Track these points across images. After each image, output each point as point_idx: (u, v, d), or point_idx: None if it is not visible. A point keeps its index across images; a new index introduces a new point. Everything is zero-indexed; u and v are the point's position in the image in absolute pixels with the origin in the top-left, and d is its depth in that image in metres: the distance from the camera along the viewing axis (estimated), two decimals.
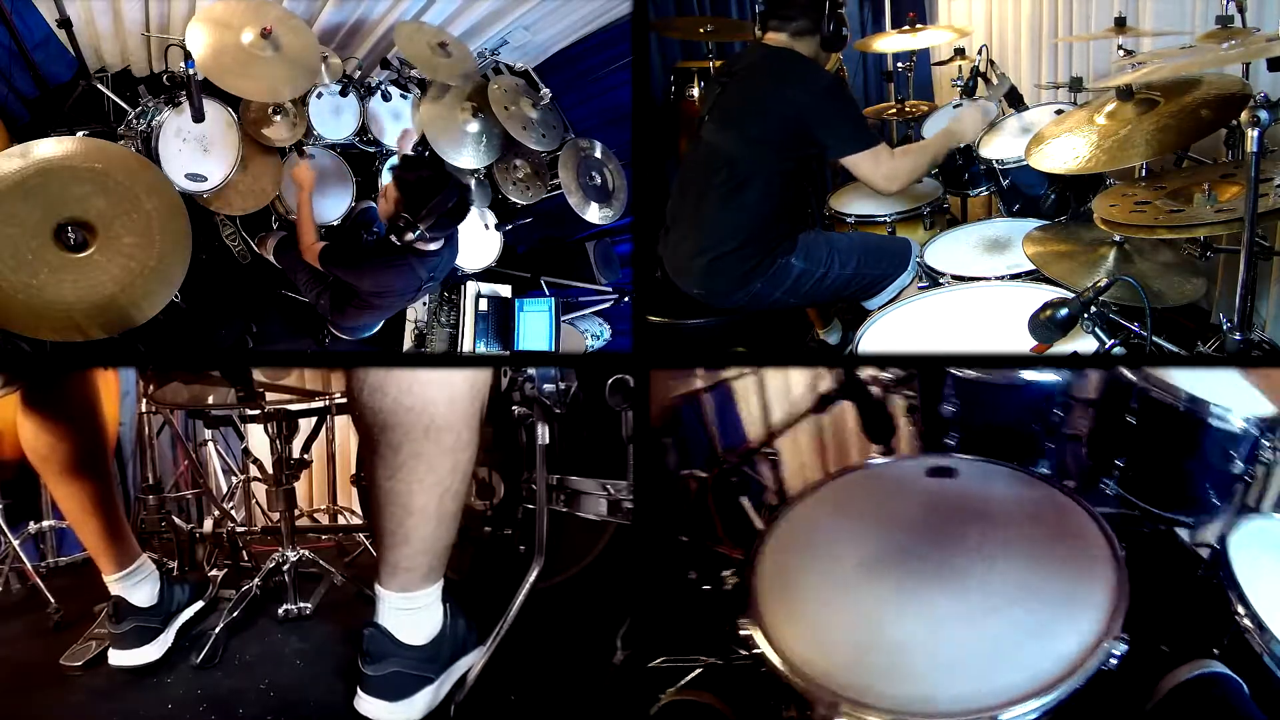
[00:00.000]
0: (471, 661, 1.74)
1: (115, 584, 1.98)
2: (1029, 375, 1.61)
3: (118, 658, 1.90)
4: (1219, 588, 1.26)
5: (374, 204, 3.04)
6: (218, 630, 2.00)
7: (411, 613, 1.66)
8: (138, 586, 1.99)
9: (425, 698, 1.64)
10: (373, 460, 1.60)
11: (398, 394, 1.55)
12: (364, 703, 1.61)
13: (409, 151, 2.92)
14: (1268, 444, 1.58)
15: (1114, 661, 1.07)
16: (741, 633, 1.19)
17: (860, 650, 1.11)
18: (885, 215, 2.87)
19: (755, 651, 1.17)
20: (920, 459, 1.47)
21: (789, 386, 2.26)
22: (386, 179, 2.81)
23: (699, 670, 1.57)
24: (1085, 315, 1.73)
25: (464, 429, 1.62)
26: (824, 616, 1.17)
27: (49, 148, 2.04)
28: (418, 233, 2.45)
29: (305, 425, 2.56)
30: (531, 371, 1.93)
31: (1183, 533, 1.55)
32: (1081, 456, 1.67)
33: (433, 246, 2.57)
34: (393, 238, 2.49)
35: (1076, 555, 1.17)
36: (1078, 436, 1.68)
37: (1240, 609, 1.22)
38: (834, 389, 1.98)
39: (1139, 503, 1.59)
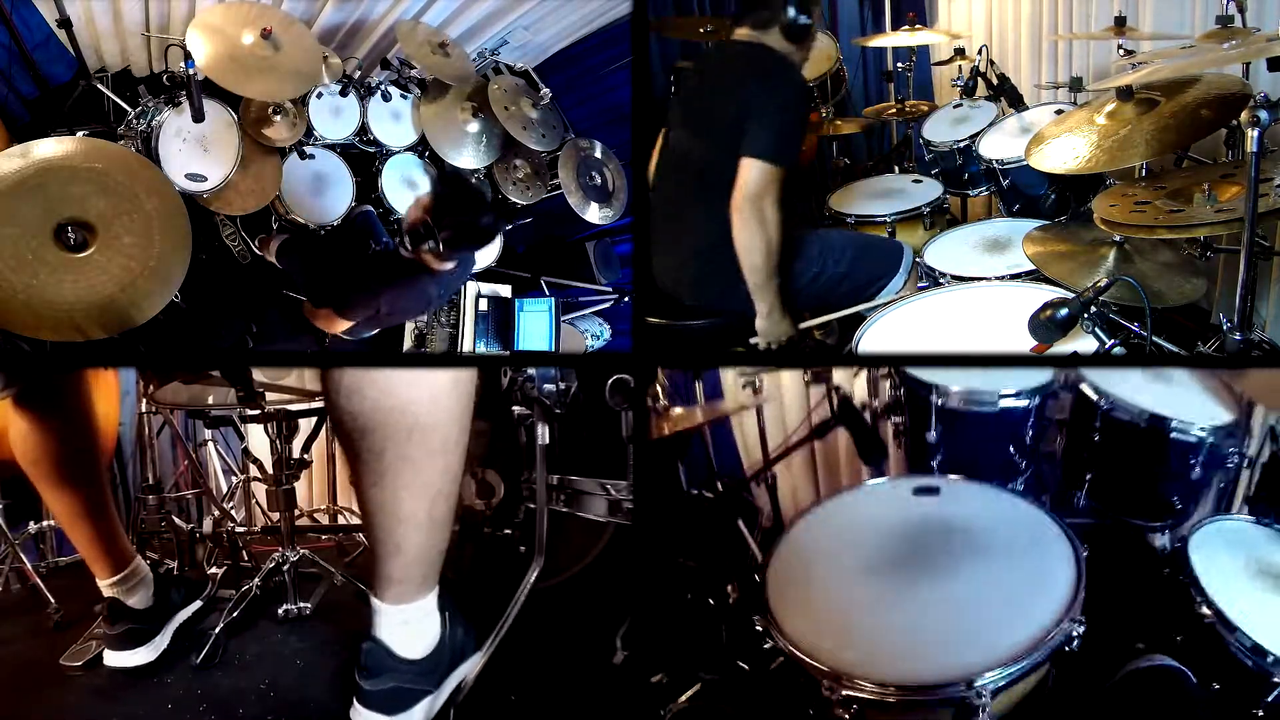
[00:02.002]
0: (469, 669, 1.72)
1: (109, 588, 1.98)
2: (1005, 402, 1.80)
3: (112, 658, 1.91)
4: (1182, 585, 1.43)
5: (372, 208, 3.04)
6: (217, 630, 2.00)
7: (409, 625, 1.61)
8: (132, 590, 1.98)
9: (423, 709, 1.61)
10: (356, 467, 1.52)
11: (377, 396, 1.46)
12: (361, 715, 1.57)
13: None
14: (1228, 449, 1.74)
15: (1075, 642, 1.29)
16: (758, 628, 1.37)
17: (859, 637, 1.33)
18: (885, 215, 2.87)
19: (768, 646, 1.37)
20: (908, 479, 1.68)
21: (784, 414, 2.36)
22: (422, 190, 2.68)
23: (699, 686, 1.70)
24: (1085, 315, 1.74)
25: (451, 428, 1.54)
26: (828, 612, 1.37)
27: (49, 148, 2.04)
28: (431, 245, 2.36)
29: (305, 425, 2.56)
30: (531, 371, 1.93)
31: (1152, 536, 1.72)
32: (1055, 472, 1.87)
33: (446, 266, 2.48)
34: (406, 244, 2.41)
35: (1041, 557, 1.40)
36: (1051, 454, 1.86)
37: (1201, 604, 1.39)
38: (829, 417, 2.15)
39: (1108, 511, 1.77)
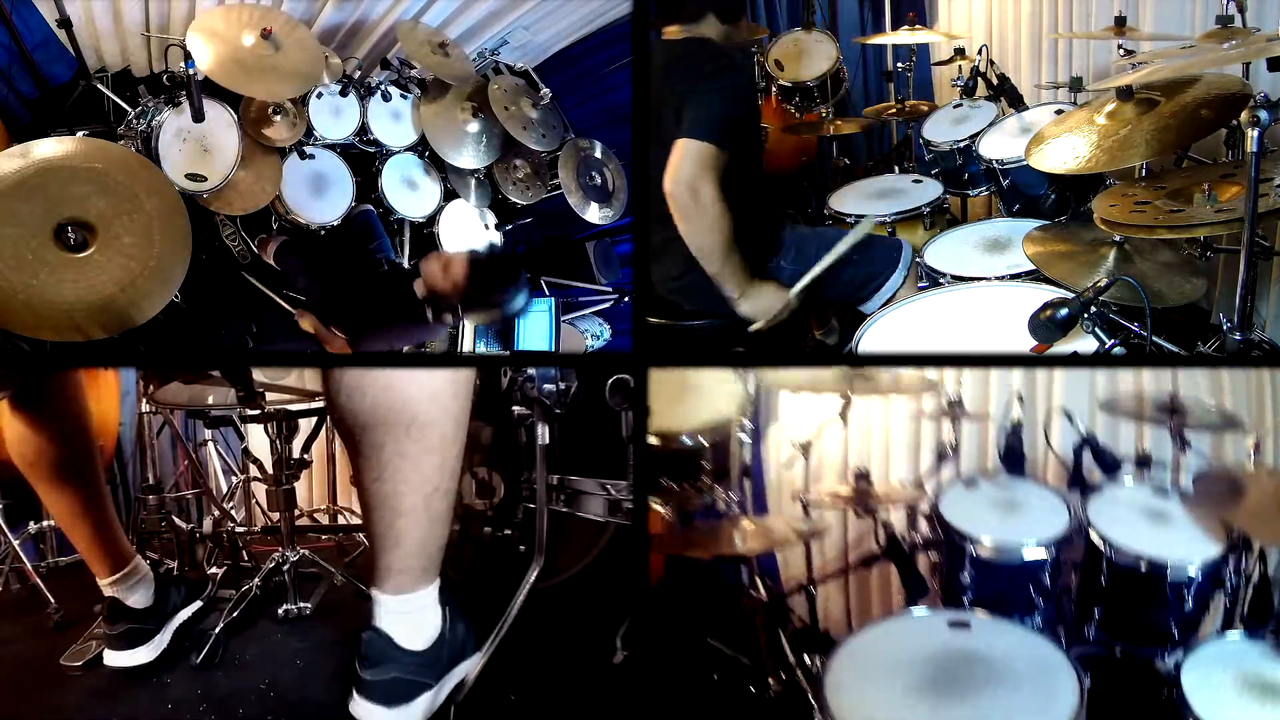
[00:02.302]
0: (470, 667, 1.72)
1: (109, 587, 1.98)
2: (1028, 553, 2.09)
3: (112, 658, 1.91)
4: (1175, 705, 1.63)
5: (372, 208, 3.04)
6: (218, 630, 2.00)
7: (409, 615, 1.63)
8: (132, 590, 1.99)
9: (423, 704, 1.62)
10: (358, 463, 1.58)
11: (376, 394, 1.52)
12: (360, 707, 1.57)
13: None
14: (1223, 579, 1.98)
15: None
16: None
17: None
18: (885, 215, 2.87)
19: None
20: (943, 613, 1.92)
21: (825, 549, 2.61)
22: (457, 254, 2.42)
23: None
24: (1085, 315, 1.74)
25: (449, 424, 1.59)
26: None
27: (49, 148, 2.04)
28: (454, 318, 2.30)
29: (305, 425, 2.56)
30: (531, 371, 1.93)
31: (1156, 661, 1.93)
32: (1070, 607, 2.13)
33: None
34: (428, 314, 2.31)
35: (1051, 686, 1.63)
36: (1067, 592, 2.13)
37: None
38: (878, 552, 2.38)
39: (1115, 643, 2.01)
